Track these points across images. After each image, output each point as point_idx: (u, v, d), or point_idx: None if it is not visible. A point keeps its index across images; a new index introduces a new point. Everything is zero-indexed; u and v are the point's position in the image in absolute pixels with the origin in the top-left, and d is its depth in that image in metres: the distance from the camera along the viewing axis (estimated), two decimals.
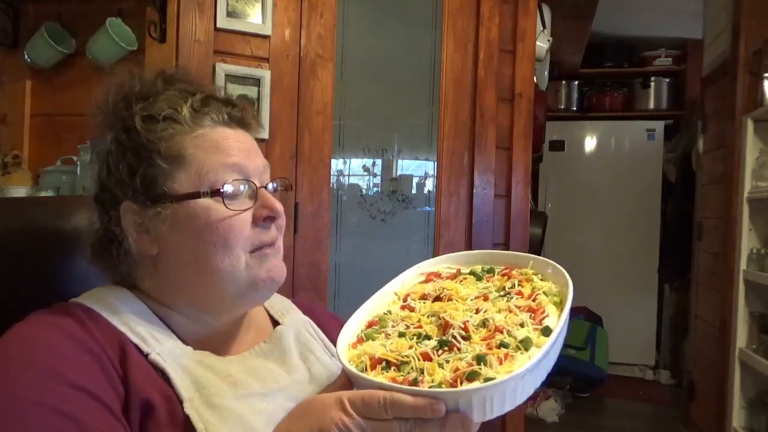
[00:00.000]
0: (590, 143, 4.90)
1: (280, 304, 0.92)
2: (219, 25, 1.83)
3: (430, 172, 2.24)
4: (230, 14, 1.85)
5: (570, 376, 4.10)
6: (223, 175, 0.75)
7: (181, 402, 0.67)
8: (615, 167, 4.79)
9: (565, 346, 4.10)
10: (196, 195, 0.74)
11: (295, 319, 0.89)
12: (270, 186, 0.80)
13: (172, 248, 0.76)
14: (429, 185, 2.25)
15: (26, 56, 1.91)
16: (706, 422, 3.03)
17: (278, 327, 0.86)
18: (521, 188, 2.35)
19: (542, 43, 2.62)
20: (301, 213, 1.96)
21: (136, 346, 0.70)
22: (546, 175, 4.85)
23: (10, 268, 0.82)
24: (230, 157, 0.76)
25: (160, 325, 0.75)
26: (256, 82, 1.87)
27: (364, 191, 2.17)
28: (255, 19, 1.88)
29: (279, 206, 0.77)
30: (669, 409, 3.97)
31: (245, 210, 0.75)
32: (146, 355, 0.70)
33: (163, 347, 0.72)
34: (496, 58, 2.26)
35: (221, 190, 0.74)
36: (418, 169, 2.26)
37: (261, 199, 0.77)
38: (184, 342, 0.76)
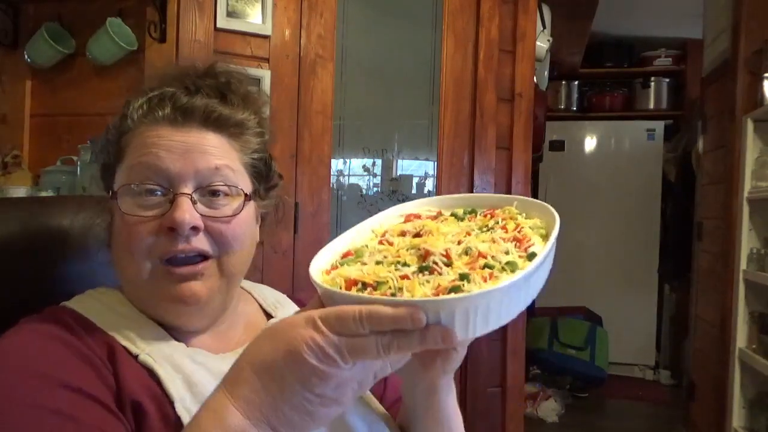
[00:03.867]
0: (590, 143, 4.90)
1: (273, 298, 0.91)
2: (219, 25, 1.83)
3: (430, 172, 2.24)
4: (230, 14, 1.85)
5: (570, 376, 4.10)
6: (133, 176, 0.72)
7: (171, 402, 0.66)
8: (615, 167, 4.79)
9: (565, 345, 4.06)
10: (111, 195, 0.74)
11: (289, 313, 0.88)
12: (197, 194, 0.72)
13: (112, 247, 0.77)
14: (429, 185, 2.25)
15: (26, 56, 1.91)
16: (706, 422, 3.03)
17: (271, 320, 0.85)
18: (521, 188, 2.35)
19: (542, 43, 2.62)
20: (301, 213, 1.96)
21: (126, 349, 0.70)
22: (546, 175, 4.85)
23: (10, 268, 0.82)
24: (143, 156, 0.72)
25: (150, 324, 0.74)
26: (256, 82, 1.86)
27: (364, 191, 2.17)
28: (255, 19, 1.89)
29: (182, 218, 0.70)
30: (669, 409, 3.97)
31: (146, 217, 0.71)
32: (136, 357, 0.69)
33: (153, 347, 0.71)
34: (496, 58, 2.25)
35: (116, 192, 0.73)
36: (418, 169, 2.26)
37: (172, 207, 0.71)
38: (177, 339, 0.75)
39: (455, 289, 0.54)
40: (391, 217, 0.77)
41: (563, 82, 5.10)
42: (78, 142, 1.80)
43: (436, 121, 2.21)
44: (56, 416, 0.59)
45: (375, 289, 0.57)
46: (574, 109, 5.21)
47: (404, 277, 0.58)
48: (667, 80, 4.98)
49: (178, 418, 0.65)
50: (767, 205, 2.63)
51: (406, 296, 0.55)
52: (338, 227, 2.07)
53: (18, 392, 0.61)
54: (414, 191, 2.24)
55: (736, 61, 2.78)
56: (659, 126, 4.76)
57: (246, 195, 0.76)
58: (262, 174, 0.82)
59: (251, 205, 0.78)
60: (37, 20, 1.92)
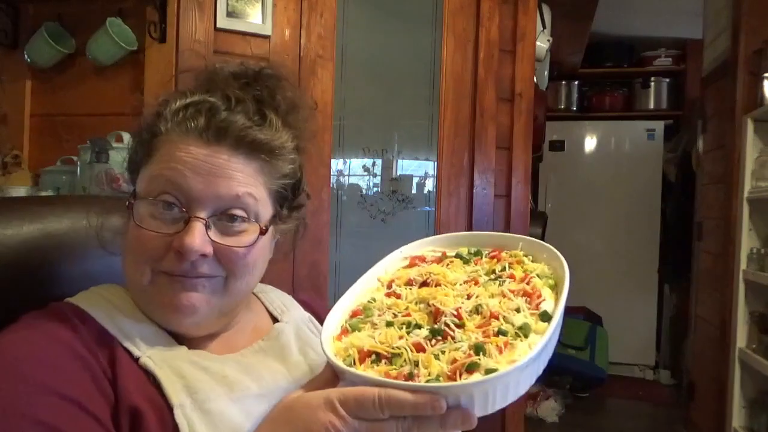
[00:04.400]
0: (590, 143, 4.90)
1: (279, 301, 0.90)
2: (219, 25, 1.83)
3: (430, 172, 2.24)
4: (230, 14, 1.85)
5: (570, 376, 4.10)
6: (152, 186, 0.71)
7: (171, 408, 0.65)
8: (615, 167, 4.79)
9: (565, 345, 4.08)
10: (128, 205, 0.73)
11: (294, 316, 0.87)
12: (213, 218, 0.71)
13: (122, 248, 0.76)
14: (429, 185, 2.25)
15: (26, 56, 1.90)
16: (706, 422, 3.03)
17: (277, 324, 0.84)
18: (521, 188, 2.35)
19: (542, 43, 2.62)
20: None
21: (127, 350, 0.69)
22: (546, 175, 4.85)
23: (10, 268, 0.82)
24: (168, 171, 0.70)
25: (153, 326, 0.74)
26: None
27: (364, 191, 2.16)
28: (255, 19, 1.88)
29: (191, 244, 0.68)
30: (669, 409, 3.97)
31: (158, 233, 0.70)
32: (137, 359, 0.68)
33: (154, 349, 0.70)
34: (496, 58, 2.25)
35: (132, 202, 0.72)
36: (418, 169, 2.26)
37: (184, 230, 0.69)
38: (180, 342, 0.74)
39: (472, 366, 0.55)
40: (395, 261, 0.77)
41: (563, 82, 5.10)
42: (78, 142, 1.80)
43: (436, 121, 2.21)
44: (43, 428, 0.58)
45: (389, 360, 0.57)
46: (574, 109, 5.21)
47: (417, 346, 0.58)
48: (667, 80, 4.98)
49: (175, 425, 0.64)
50: (767, 205, 2.63)
51: (423, 373, 0.55)
52: (338, 227, 2.07)
53: (8, 398, 0.59)
54: (414, 191, 2.24)
55: (736, 61, 2.78)
56: (659, 126, 4.76)
57: (261, 229, 0.74)
58: (287, 198, 0.79)
59: (269, 232, 0.76)
60: (37, 20, 1.92)
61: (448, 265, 0.74)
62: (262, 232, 0.74)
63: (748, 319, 2.64)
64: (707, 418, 2.99)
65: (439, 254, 0.78)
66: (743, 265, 2.66)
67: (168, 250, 0.70)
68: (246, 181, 0.72)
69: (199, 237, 0.69)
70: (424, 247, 0.80)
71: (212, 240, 0.71)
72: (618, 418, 3.95)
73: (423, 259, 0.77)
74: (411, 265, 0.76)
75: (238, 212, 0.72)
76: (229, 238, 0.72)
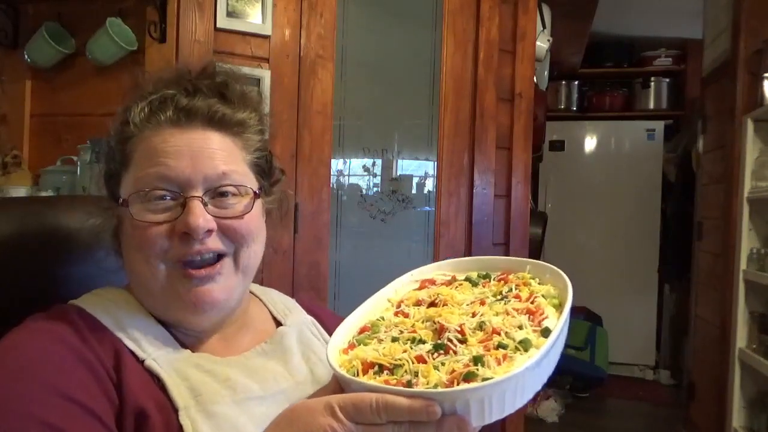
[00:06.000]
0: (590, 143, 4.90)
1: (282, 304, 0.91)
2: (219, 25, 1.83)
3: (430, 172, 2.24)
4: (230, 14, 1.85)
5: (570, 376, 4.10)
6: (141, 184, 0.72)
7: (176, 410, 0.66)
8: (615, 167, 4.79)
9: (565, 346, 4.10)
10: (122, 203, 0.74)
11: (297, 320, 0.88)
12: (207, 196, 0.73)
13: (124, 252, 0.77)
14: (429, 185, 2.25)
15: (26, 56, 1.90)
16: (706, 422, 3.03)
17: (280, 328, 0.85)
18: (521, 188, 2.35)
19: (542, 43, 2.62)
20: (301, 213, 1.95)
21: (132, 352, 0.70)
22: (546, 175, 4.85)
23: (10, 269, 0.82)
24: (154, 167, 0.72)
25: (158, 329, 0.74)
26: (256, 82, 1.86)
27: (364, 191, 2.16)
28: (255, 19, 1.88)
29: (195, 222, 0.70)
30: (669, 409, 3.97)
31: (158, 223, 0.71)
32: (142, 362, 0.69)
33: (159, 352, 0.71)
34: (496, 58, 2.25)
35: (127, 200, 0.73)
36: (418, 169, 2.26)
37: (185, 212, 0.71)
38: (183, 345, 0.75)
39: (469, 375, 0.55)
40: (406, 284, 0.80)
41: (563, 82, 5.10)
42: (78, 142, 1.80)
43: (436, 121, 2.21)
44: (47, 428, 0.58)
45: (392, 372, 0.59)
46: (574, 109, 5.21)
47: (420, 358, 0.59)
48: (667, 80, 4.98)
49: (180, 427, 0.65)
50: (767, 205, 2.63)
51: (421, 382, 0.56)
52: (338, 227, 2.07)
53: (12, 397, 0.60)
54: (414, 191, 2.24)
55: (736, 61, 2.78)
56: (659, 126, 4.76)
57: (255, 193, 0.77)
58: (265, 171, 0.83)
59: (259, 202, 0.79)
60: (37, 20, 1.92)
61: (457, 287, 0.76)
62: (256, 195, 0.77)
63: (748, 319, 2.64)
64: (707, 418, 2.99)
65: (449, 278, 0.80)
66: (743, 265, 2.66)
67: (172, 238, 0.71)
68: (227, 159, 0.75)
69: (201, 214, 0.71)
70: (434, 271, 0.83)
71: (212, 216, 0.73)
72: (618, 418, 3.95)
73: (433, 282, 0.79)
74: (421, 288, 0.79)
75: (228, 188, 0.74)
76: (227, 211, 0.74)
